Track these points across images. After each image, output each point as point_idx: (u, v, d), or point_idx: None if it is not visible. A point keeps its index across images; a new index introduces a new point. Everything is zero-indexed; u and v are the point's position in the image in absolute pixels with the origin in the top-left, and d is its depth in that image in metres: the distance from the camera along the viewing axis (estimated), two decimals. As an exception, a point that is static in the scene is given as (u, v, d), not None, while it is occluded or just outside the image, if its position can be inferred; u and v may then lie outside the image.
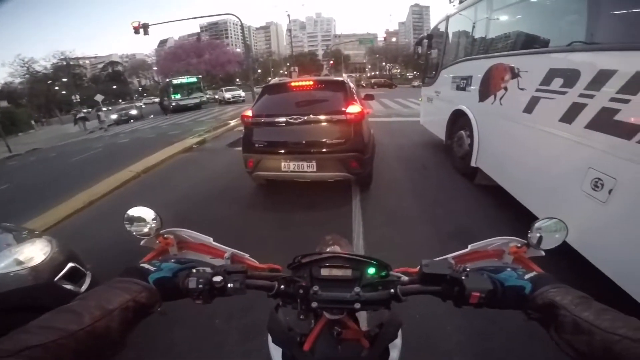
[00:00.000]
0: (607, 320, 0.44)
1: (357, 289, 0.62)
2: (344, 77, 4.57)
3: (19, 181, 7.88)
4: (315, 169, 3.55)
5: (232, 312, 2.13)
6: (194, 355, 1.91)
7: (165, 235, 0.90)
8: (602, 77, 1.95)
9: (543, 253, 0.81)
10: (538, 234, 0.77)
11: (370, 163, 3.83)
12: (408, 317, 1.96)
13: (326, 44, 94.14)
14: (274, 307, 0.69)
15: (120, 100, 45.84)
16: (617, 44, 1.98)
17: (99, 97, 22.41)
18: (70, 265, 1.96)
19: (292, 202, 3.96)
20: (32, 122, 29.12)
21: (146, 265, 0.63)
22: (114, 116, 21.83)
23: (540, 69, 2.59)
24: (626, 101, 1.77)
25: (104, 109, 22.58)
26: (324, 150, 3.51)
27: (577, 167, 2.12)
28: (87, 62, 74.65)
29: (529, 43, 2.99)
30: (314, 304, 0.62)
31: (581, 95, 2.11)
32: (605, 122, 1.91)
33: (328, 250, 0.98)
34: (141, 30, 15.36)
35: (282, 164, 3.62)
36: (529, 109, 2.74)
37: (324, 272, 0.67)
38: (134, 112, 22.45)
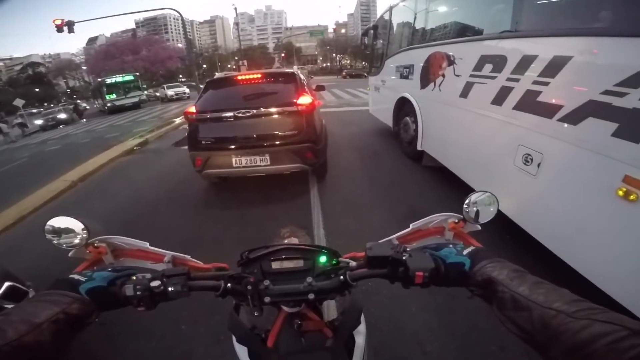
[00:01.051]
0: (542, 294, 0.44)
1: (309, 279, 0.62)
2: (294, 68, 4.49)
3: None
4: (269, 162, 3.47)
5: (196, 316, 2.04)
6: None
7: (96, 244, 0.85)
8: (525, 62, 2.13)
9: (479, 227, 0.85)
10: (475, 208, 0.80)
11: (324, 153, 3.85)
12: (374, 302, 2.00)
13: (277, 36, 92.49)
14: (233, 307, 0.68)
15: (47, 104, 40.99)
16: (537, 30, 2.17)
17: (18, 102, 19.69)
18: (7, 284, 1.82)
19: (249, 198, 3.86)
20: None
21: (76, 276, 0.58)
22: (38, 121, 19.42)
23: (472, 55, 2.76)
24: (546, 84, 1.95)
25: (20, 113, 19.89)
26: (277, 142, 3.44)
27: (509, 144, 2.31)
28: (1, 64, 65.65)
29: (463, 32, 3.17)
30: (267, 299, 0.61)
31: (508, 79, 2.30)
32: (530, 103, 2.09)
33: (285, 242, 0.96)
34: (65, 28, 13.96)
35: (234, 159, 3.49)
36: (465, 93, 2.92)
37: (275, 265, 0.67)
38: (62, 115, 20.09)
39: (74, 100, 32.29)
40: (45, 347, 0.45)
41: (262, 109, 3.42)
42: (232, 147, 3.48)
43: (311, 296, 0.60)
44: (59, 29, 13.97)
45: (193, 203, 3.96)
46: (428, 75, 3.76)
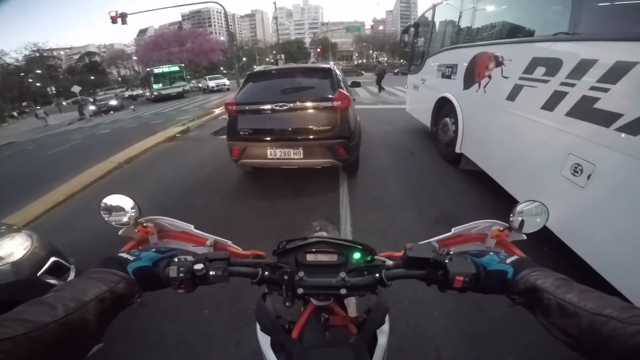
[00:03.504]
0: (591, 301, 0.44)
1: (342, 274, 0.61)
2: (331, 64, 4.51)
3: (-6, 176, 7.51)
4: (302, 156, 3.54)
5: (220, 302, 2.12)
6: (184, 346, 1.89)
7: (145, 224, 0.88)
8: (583, 67, 1.99)
9: (525, 237, 0.82)
10: (520, 218, 0.78)
11: (357, 149, 3.84)
12: (396, 303, 2.00)
13: (313, 31, 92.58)
14: (261, 295, 0.68)
15: (98, 91, 44.25)
16: (598, 34, 2.01)
17: (76, 88, 21.54)
18: (52, 259, 1.92)
19: (280, 189, 3.94)
20: (15, 114, 27.83)
21: (125, 255, 0.61)
22: (92, 107, 21.06)
23: (524, 57, 2.61)
24: (605, 90, 1.81)
25: (91, 98, 21.83)
26: (311, 137, 3.49)
27: (558, 153, 2.17)
28: (62, 53, 71.40)
29: (514, 32, 3.01)
30: (300, 290, 0.61)
31: (563, 84, 2.15)
32: (585, 110, 1.95)
33: (315, 235, 0.96)
34: (119, 20, 14.92)
35: (268, 151, 3.59)
36: (512, 96, 2.78)
37: (310, 257, 0.67)
38: (113, 102, 21.69)
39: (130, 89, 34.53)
40: (88, 325, 0.46)
41: (298, 103, 3.48)
42: (268, 139, 3.58)
43: (343, 291, 0.60)
44: (114, 20, 14.89)
45: (227, 190, 4.12)
46: (473, 76, 3.61)
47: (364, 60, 67.90)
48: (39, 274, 1.80)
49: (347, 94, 3.63)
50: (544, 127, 2.35)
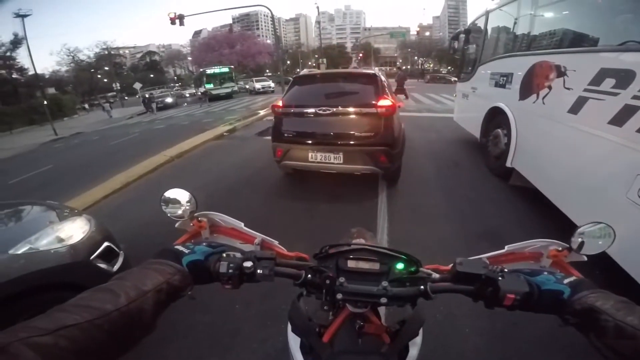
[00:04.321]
0: None
1: (384, 283, 0.61)
2: (375, 70, 4.51)
3: (62, 162, 8.42)
4: (342, 161, 3.56)
5: (251, 298, 2.17)
6: (210, 339, 1.96)
7: (200, 218, 0.93)
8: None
9: (585, 258, 0.79)
10: (580, 239, 0.75)
11: (399, 158, 3.78)
12: (429, 317, 1.95)
13: (355, 36, 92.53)
14: (296, 296, 0.68)
15: (156, 88, 47.83)
16: None
17: (137, 85, 23.67)
18: (105, 244, 1.99)
19: (318, 192, 4.00)
20: (86, 106, 30.86)
21: (180, 248, 0.63)
22: (153, 104, 22.78)
23: (590, 68, 2.43)
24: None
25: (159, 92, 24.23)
26: (352, 142, 3.50)
27: (624, 172, 2.00)
28: (127, 51, 77.65)
29: (578, 41, 2.83)
30: (339, 296, 0.61)
31: (635, 97, 1.98)
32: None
33: (353, 242, 0.96)
34: (177, 21, 15.87)
35: (310, 154, 3.66)
36: (575, 109, 2.59)
37: (351, 264, 0.67)
38: (169, 100, 23.32)
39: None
40: (145, 315, 0.47)
41: (342, 108, 3.51)
42: (310, 142, 3.65)
43: (384, 300, 0.60)
44: (172, 21, 15.85)
45: (268, 190, 4.27)
46: (530, 86, 3.40)
47: (409, 67, 66.53)
48: (91, 257, 1.85)
49: (392, 100, 3.61)
50: (610, 143, 2.17)
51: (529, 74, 3.46)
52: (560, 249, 0.81)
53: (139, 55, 72.35)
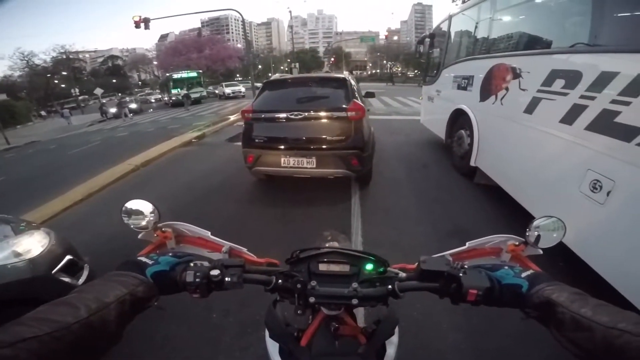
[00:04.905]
0: (606, 315, 0.44)
1: (354, 285, 0.62)
2: (345, 74, 4.55)
3: (16, 173, 7.82)
4: (315, 165, 3.55)
5: (228, 306, 2.13)
6: (189, 349, 1.90)
7: (164, 229, 0.90)
8: (603, 79, 1.95)
9: (541, 252, 0.83)
10: (536, 233, 0.78)
11: (370, 160, 3.83)
12: (407, 316, 1.96)
13: (327, 41, 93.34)
14: (272, 302, 0.68)
15: (119, 94, 45.72)
16: (620, 46, 1.98)
17: (98, 91, 22.43)
18: (67, 257, 1.93)
19: (292, 197, 3.96)
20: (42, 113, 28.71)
21: (144, 259, 0.62)
22: (113, 110, 21.70)
23: (542, 69, 2.58)
24: (627, 103, 1.77)
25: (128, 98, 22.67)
26: (324, 146, 3.50)
27: (576, 168, 2.13)
28: (87, 55, 74.08)
29: (532, 44, 2.98)
30: (312, 299, 0.61)
31: (582, 97, 2.11)
32: (605, 124, 1.91)
33: (326, 245, 0.98)
34: (142, 25, 15.20)
35: (282, 159, 3.62)
36: (530, 109, 2.74)
37: (322, 267, 0.67)
38: (133, 105, 22.32)
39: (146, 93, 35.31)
40: (109, 326, 0.47)
41: (313, 113, 3.51)
42: (282, 147, 3.61)
43: (355, 301, 0.61)
44: (137, 25, 15.11)
45: (240, 196, 4.16)
46: (489, 88, 3.57)
47: (378, 70, 68.07)
48: (53, 271, 1.80)
49: (361, 104, 3.65)
50: (562, 141, 2.30)
51: (488, 76, 3.63)
52: (517, 243, 0.84)
53: (100, 60, 69.07)
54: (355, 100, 3.58)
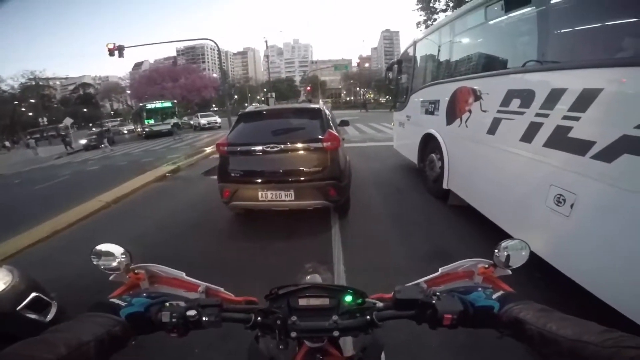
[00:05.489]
0: (570, 329, 0.46)
1: (334, 317, 0.64)
2: (320, 104, 4.65)
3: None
4: (293, 198, 3.51)
5: (210, 340, 2.04)
6: None
7: (136, 271, 0.89)
8: (554, 96, 2.08)
9: (509, 272, 0.85)
10: (505, 253, 0.80)
11: (347, 189, 3.84)
12: (395, 338, 1.91)
13: (303, 69, 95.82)
14: (254, 337, 0.69)
15: (90, 125, 44.27)
16: (565, 62, 2.13)
17: (67, 121, 21.62)
18: (33, 294, 1.94)
19: (272, 230, 3.88)
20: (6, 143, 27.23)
21: (116, 301, 0.62)
22: (82, 141, 20.94)
23: (499, 90, 2.71)
24: (577, 118, 1.89)
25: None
26: (302, 178, 3.49)
27: (540, 184, 2.21)
28: (58, 82, 71.14)
29: (489, 65, 3.15)
30: (293, 334, 0.63)
31: (537, 115, 2.23)
32: (560, 139, 2.02)
33: (308, 278, 1.04)
34: (116, 52, 15.08)
35: (260, 193, 3.56)
36: (492, 130, 2.86)
37: (302, 302, 0.69)
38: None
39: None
40: None
41: (289, 144, 3.51)
42: (259, 181, 3.57)
43: (336, 333, 0.62)
44: (111, 52, 14.98)
45: (218, 232, 4.03)
46: (454, 111, 3.71)
47: (352, 97, 70.37)
48: (18, 308, 1.82)
49: (336, 134, 3.70)
50: (524, 159, 2.40)
51: (452, 100, 3.78)
52: (486, 266, 0.86)
53: (71, 88, 66.95)
54: (330, 130, 3.62)
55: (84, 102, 57.28)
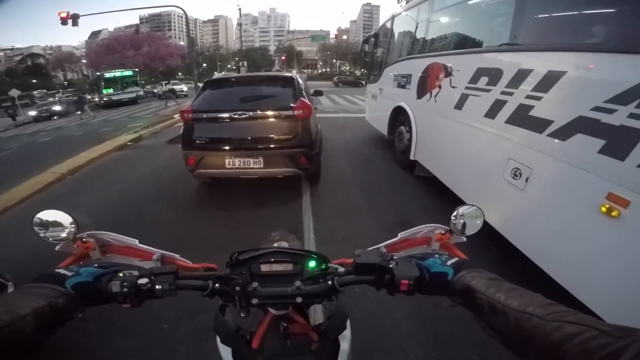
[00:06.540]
0: (516, 299, 0.46)
1: (297, 283, 0.62)
2: (293, 72, 4.50)
3: None
4: (262, 165, 3.46)
5: (179, 315, 2.01)
6: None
7: (84, 239, 0.84)
8: (520, 76, 2.15)
9: (464, 239, 0.87)
10: (462, 220, 0.82)
11: (318, 158, 3.84)
12: (361, 307, 2.00)
13: (279, 39, 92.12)
14: (218, 308, 0.68)
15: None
16: (533, 45, 2.19)
17: (14, 92, 19.54)
18: None
19: (240, 200, 3.81)
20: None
21: (62, 271, 0.59)
22: (32, 112, 19.15)
23: (469, 68, 2.78)
24: (539, 98, 1.97)
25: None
26: (272, 146, 3.43)
27: (499, 158, 2.32)
28: (2, 54, 64.43)
29: (463, 44, 3.19)
30: (255, 301, 0.61)
31: (502, 93, 2.32)
32: (521, 117, 2.12)
33: (274, 245, 0.99)
34: (69, 21, 13.76)
35: (227, 160, 3.47)
36: (459, 105, 2.94)
37: (264, 268, 0.68)
38: (57, 107, 19.85)
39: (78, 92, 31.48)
40: (26, 338, 0.45)
41: (259, 112, 3.42)
42: (226, 148, 3.46)
43: (299, 299, 0.61)
44: (64, 21, 13.80)
45: (184, 202, 3.91)
46: (425, 86, 3.78)
47: (328, 69, 69.07)
48: None
49: (308, 102, 3.62)
50: (487, 134, 2.50)
51: (423, 75, 3.84)
52: (443, 232, 0.87)
53: (18, 58, 60.57)
54: (302, 98, 3.54)
55: (32, 73, 52.07)
